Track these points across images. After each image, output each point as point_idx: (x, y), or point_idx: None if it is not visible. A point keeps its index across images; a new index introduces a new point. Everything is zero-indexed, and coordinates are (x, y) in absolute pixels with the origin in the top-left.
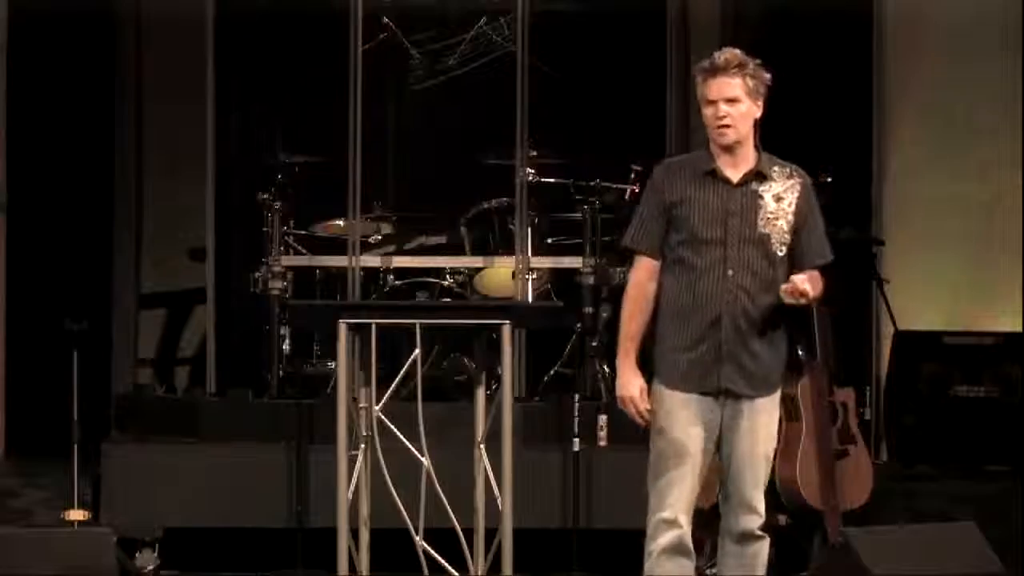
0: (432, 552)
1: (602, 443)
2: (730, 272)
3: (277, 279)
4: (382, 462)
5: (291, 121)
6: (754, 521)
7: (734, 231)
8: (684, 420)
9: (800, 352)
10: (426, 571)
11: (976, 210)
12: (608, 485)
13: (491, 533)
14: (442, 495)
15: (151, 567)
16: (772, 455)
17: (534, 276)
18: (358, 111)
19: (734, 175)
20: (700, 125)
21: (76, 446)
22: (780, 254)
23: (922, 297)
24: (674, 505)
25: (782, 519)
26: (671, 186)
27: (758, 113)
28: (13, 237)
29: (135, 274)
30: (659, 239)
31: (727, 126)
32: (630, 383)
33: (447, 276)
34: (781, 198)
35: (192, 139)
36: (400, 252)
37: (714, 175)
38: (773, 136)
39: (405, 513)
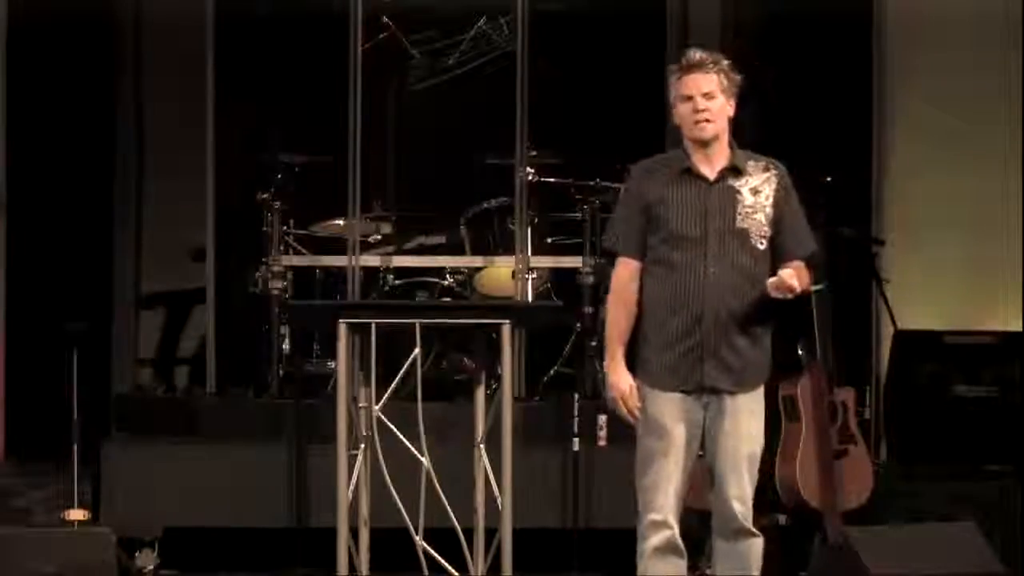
0: (432, 552)
1: (602, 443)
2: (711, 269)
3: (277, 279)
4: (382, 462)
5: (291, 121)
6: (742, 518)
7: (713, 227)
8: (668, 418)
9: (800, 352)
10: (426, 571)
11: (976, 210)
12: (608, 485)
13: (491, 533)
14: (442, 495)
15: (151, 567)
16: (759, 454)
17: (534, 276)
18: (358, 111)
19: (710, 172)
20: None
21: (76, 446)
22: (761, 247)
23: (922, 297)
24: (663, 506)
25: (782, 519)
26: (648, 186)
27: (731, 111)
28: (13, 237)
29: (135, 274)
30: (639, 240)
31: (707, 120)
32: (620, 382)
33: (447, 276)
34: (758, 191)
35: (192, 139)
36: (400, 252)
37: (690, 173)
38: (773, 136)
39: (405, 513)
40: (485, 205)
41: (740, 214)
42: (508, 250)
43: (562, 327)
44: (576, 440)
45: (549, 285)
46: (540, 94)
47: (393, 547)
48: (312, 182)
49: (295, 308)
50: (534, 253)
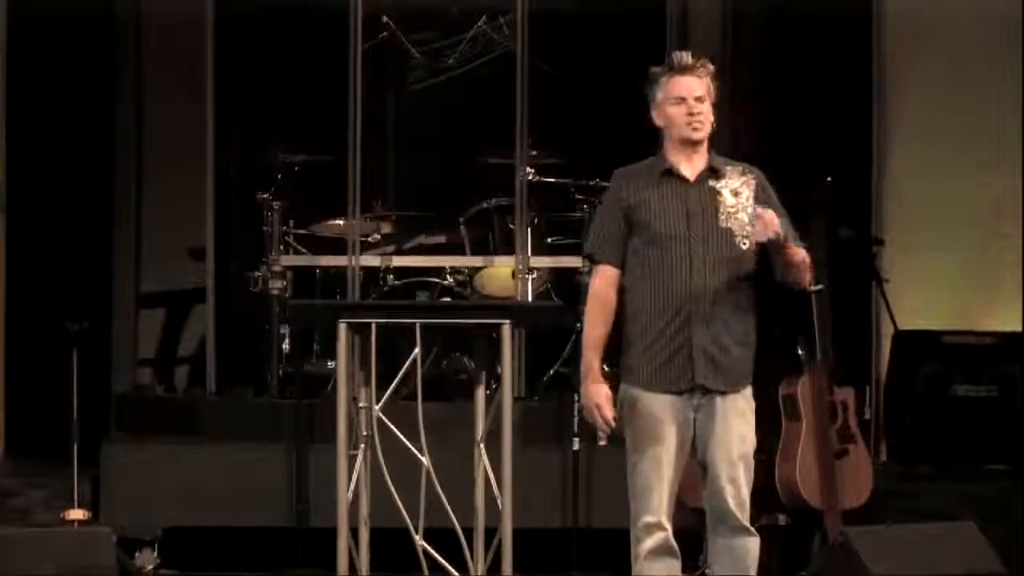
0: (432, 552)
1: (602, 443)
2: (695, 269)
3: (277, 279)
4: (382, 462)
5: (291, 120)
6: (736, 516)
7: (696, 228)
8: (658, 420)
9: (800, 352)
10: (426, 571)
11: (976, 210)
12: (608, 485)
13: (491, 533)
14: (442, 495)
15: (151, 567)
16: (752, 453)
17: (534, 276)
18: (358, 111)
19: (690, 173)
20: None
21: (76, 446)
22: (744, 247)
23: (922, 297)
24: (657, 508)
25: (782, 519)
26: (628, 190)
27: (712, 118)
28: (13, 237)
29: (135, 274)
30: (619, 247)
31: (700, 122)
32: (595, 391)
33: (447, 276)
34: (738, 192)
35: (192, 139)
36: (400, 252)
37: (671, 174)
38: (774, 136)
39: (405, 513)
40: (485, 205)
41: (723, 214)
42: (508, 250)
43: (562, 327)
44: (576, 440)
45: (549, 285)
46: (540, 94)
47: (393, 547)
48: (312, 182)
49: (295, 308)
50: (534, 253)
